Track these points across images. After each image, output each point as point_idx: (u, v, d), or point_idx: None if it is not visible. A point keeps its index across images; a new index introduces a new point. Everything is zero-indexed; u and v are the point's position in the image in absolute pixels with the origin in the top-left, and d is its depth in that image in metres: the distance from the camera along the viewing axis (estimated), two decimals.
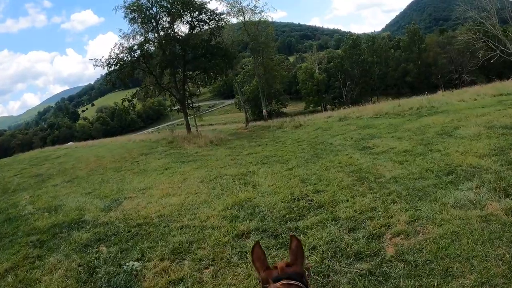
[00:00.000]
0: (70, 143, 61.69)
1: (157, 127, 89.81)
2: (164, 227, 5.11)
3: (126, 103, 20.22)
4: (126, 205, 6.78)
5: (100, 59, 18.62)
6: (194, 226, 4.91)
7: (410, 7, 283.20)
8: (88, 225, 5.88)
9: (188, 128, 20.59)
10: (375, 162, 6.94)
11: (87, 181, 10.70)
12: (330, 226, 4.19)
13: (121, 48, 18.05)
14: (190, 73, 20.74)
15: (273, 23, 29.09)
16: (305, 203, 5.12)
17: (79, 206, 7.44)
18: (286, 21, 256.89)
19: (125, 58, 18.11)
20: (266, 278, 1.35)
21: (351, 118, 15.90)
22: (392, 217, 4.15)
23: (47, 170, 14.72)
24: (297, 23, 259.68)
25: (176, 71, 20.10)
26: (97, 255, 4.44)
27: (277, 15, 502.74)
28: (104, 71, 18.80)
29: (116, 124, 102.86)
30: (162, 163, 11.48)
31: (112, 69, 18.63)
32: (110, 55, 18.05)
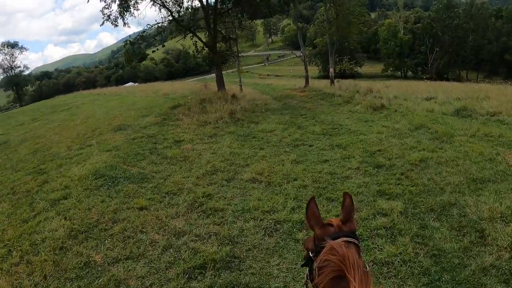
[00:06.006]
0: (130, 83, 61.14)
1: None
2: None
3: (128, 46, 14.83)
4: None
5: None
6: None
7: None
8: None
9: (221, 84, 14.88)
10: None
11: None
12: None
13: None
14: (223, 7, 14.27)
15: None
16: None
17: None
18: None
19: None
20: (322, 235, 1.24)
21: (480, 115, 8.17)
22: None
23: (21, 135, 11.91)
24: None
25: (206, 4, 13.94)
26: None
27: None
28: None
29: (180, 66, 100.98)
30: (90, 169, 5.84)
31: None
32: None
